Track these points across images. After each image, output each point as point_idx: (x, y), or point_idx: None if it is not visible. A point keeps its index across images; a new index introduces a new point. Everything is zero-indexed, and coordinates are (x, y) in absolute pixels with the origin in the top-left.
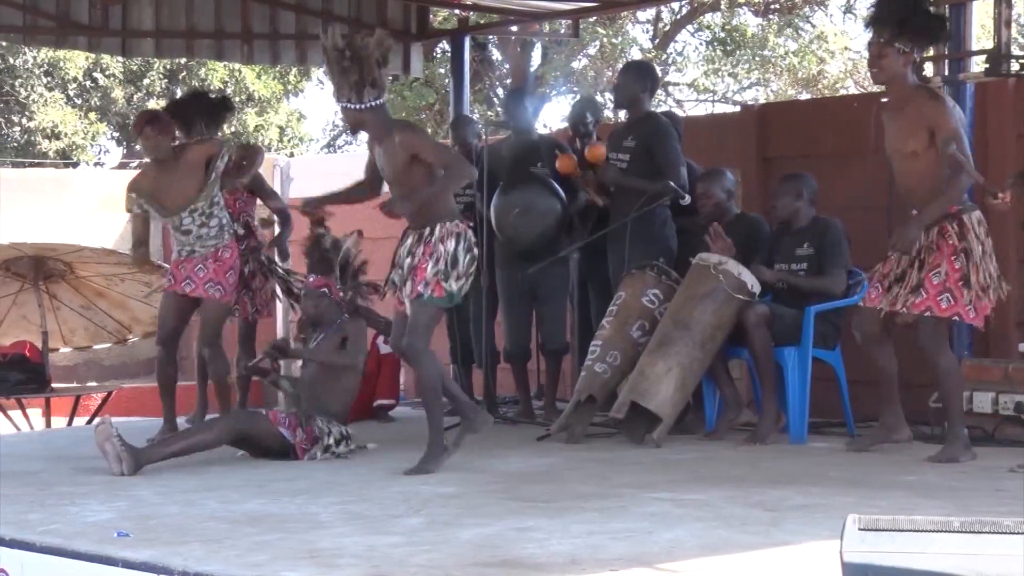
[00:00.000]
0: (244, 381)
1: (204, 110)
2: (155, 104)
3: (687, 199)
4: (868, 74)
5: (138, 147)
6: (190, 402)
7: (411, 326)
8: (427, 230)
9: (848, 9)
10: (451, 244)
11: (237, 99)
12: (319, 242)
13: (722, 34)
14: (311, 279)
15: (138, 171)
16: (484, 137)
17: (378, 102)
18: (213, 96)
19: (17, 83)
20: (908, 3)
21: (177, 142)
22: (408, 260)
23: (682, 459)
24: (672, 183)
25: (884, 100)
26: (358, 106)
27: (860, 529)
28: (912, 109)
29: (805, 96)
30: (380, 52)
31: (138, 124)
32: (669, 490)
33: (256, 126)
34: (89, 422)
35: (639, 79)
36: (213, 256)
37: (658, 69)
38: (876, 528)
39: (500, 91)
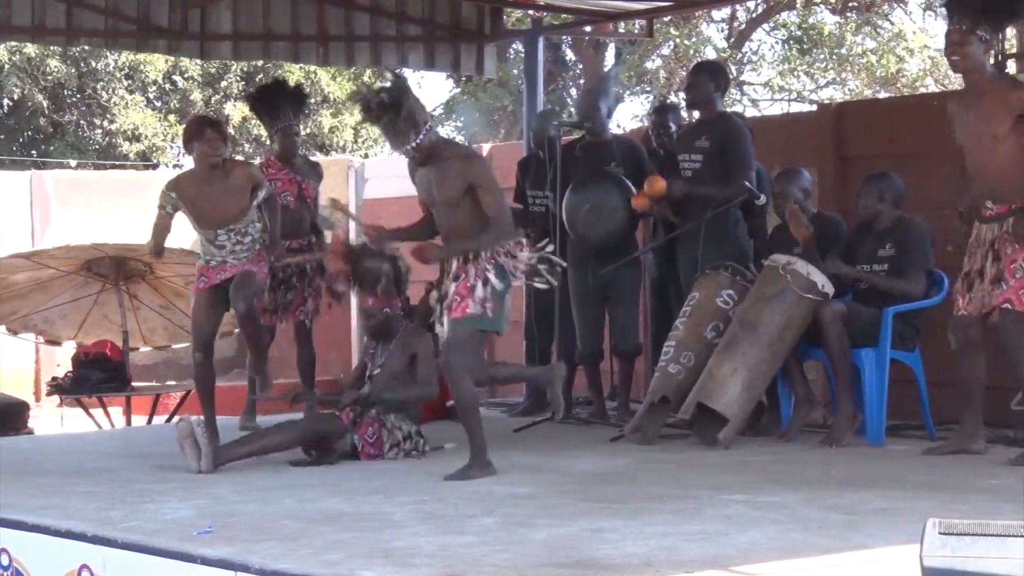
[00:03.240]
0: (307, 371)
1: (290, 98)
2: (233, 106)
3: (763, 199)
4: (948, 71)
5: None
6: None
7: (447, 344)
8: (472, 253)
9: (928, 6)
10: (496, 265)
11: (312, 101)
12: (382, 274)
13: (798, 33)
14: (370, 300)
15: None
16: (559, 137)
17: (428, 130)
18: (296, 86)
19: (99, 86)
20: None
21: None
22: (455, 285)
23: (757, 461)
24: (747, 182)
25: (951, 92)
26: (415, 143)
27: (941, 533)
28: (995, 97)
29: (883, 95)
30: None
31: (199, 127)
32: (744, 492)
33: (331, 127)
34: (168, 420)
35: (711, 79)
36: (244, 263)
37: (733, 68)
38: (957, 532)
39: (573, 91)
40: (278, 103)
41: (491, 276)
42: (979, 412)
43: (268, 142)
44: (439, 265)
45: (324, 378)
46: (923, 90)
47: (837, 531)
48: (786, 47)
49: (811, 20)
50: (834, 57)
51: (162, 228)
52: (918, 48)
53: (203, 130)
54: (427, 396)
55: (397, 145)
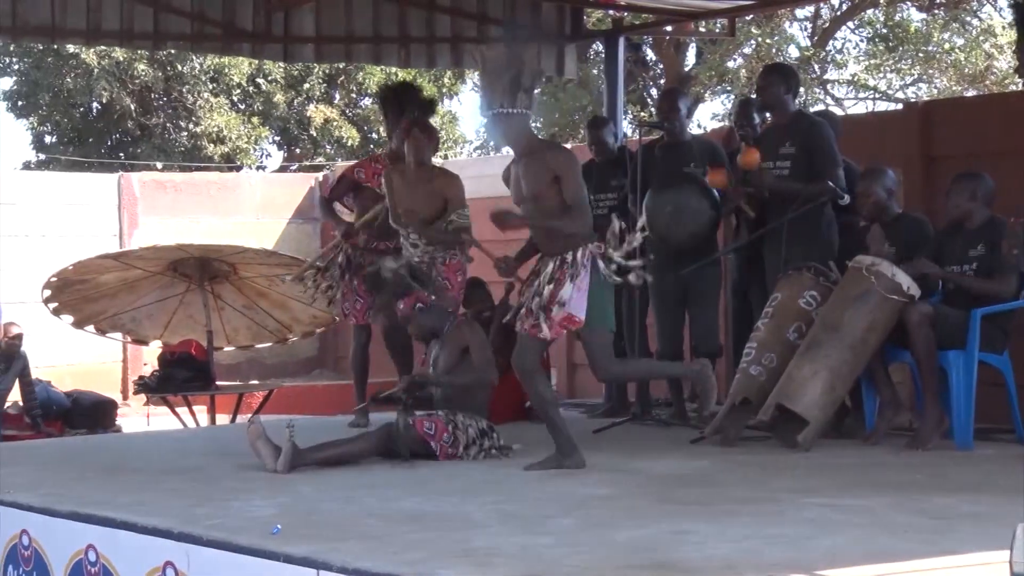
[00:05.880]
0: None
1: (419, 101)
2: (315, 108)
3: (846, 199)
4: None
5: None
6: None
7: (591, 356)
8: (570, 255)
9: (1018, 2)
10: (596, 264)
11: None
12: (385, 273)
13: (884, 30)
14: (400, 306)
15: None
16: (639, 138)
17: (522, 112)
18: (430, 96)
19: (184, 89)
20: None
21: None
22: (550, 288)
23: (841, 464)
24: (831, 183)
25: None
26: (507, 110)
27: None
28: None
29: (972, 92)
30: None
31: (407, 127)
32: (828, 495)
33: None
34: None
35: (782, 80)
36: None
37: (816, 67)
38: None
39: (654, 91)
40: (407, 103)
41: (584, 275)
42: None
43: (386, 139)
44: (534, 264)
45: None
46: (1012, 87)
47: (924, 536)
48: (871, 44)
49: (897, 17)
50: (920, 54)
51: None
52: (1007, 44)
53: (410, 130)
54: (484, 381)
55: (489, 101)
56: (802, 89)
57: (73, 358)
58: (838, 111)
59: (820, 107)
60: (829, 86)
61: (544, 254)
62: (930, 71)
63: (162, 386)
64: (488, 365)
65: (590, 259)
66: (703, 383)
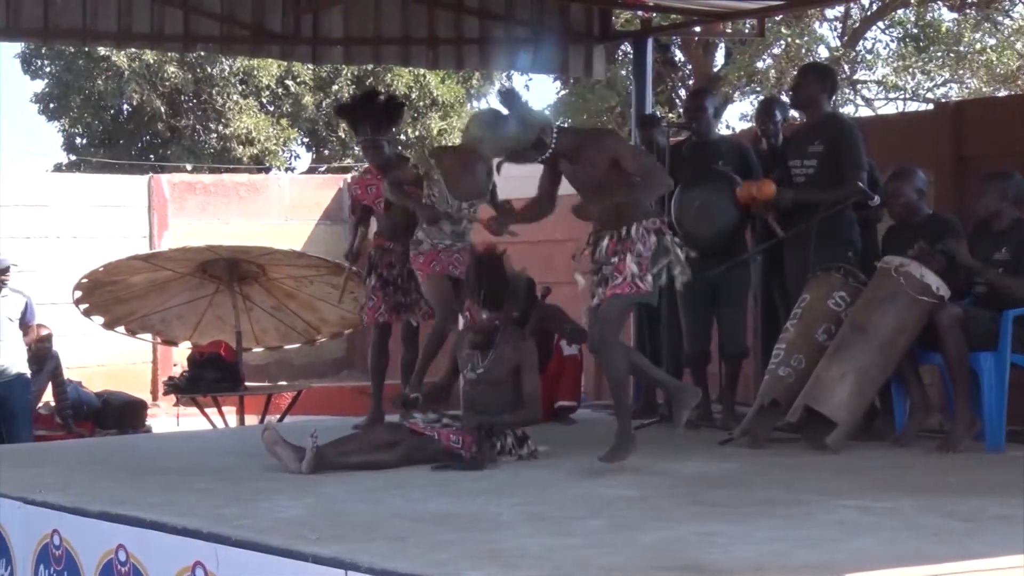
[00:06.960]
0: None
1: (372, 113)
2: None
3: (876, 199)
4: None
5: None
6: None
7: (601, 319)
8: (624, 230)
9: None
10: (651, 240)
11: (421, 103)
12: (507, 288)
13: (914, 30)
14: (483, 315)
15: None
16: (667, 138)
17: (556, 136)
18: (388, 99)
19: (214, 91)
20: None
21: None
22: (612, 260)
23: (870, 466)
24: (859, 183)
25: None
26: (545, 155)
27: None
28: None
29: (1003, 93)
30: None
31: (365, 146)
32: (857, 497)
33: (439, 130)
34: (280, 420)
35: (818, 80)
36: (463, 248)
37: (846, 67)
38: None
39: (682, 92)
40: (357, 118)
41: (642, 248)
42: None
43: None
44: (591, 239)
45: (429, 379)
46: None
47: (954, 539)
48: (901, 44)
49: (928, 17)
50: (951, 55)
51: (412, 195)
52: None
53: (367, 149)
54: (533, 420)
55: (532, 159)
56: None
57: (103, 359)
58: (868, 112)
59: (850, 108)
60: (859, 86)
61: (602, 228)
62: (961, 71)
63: (191, 387)
64: (535, 402)
65: (645, 234)
66: (679, 401)
